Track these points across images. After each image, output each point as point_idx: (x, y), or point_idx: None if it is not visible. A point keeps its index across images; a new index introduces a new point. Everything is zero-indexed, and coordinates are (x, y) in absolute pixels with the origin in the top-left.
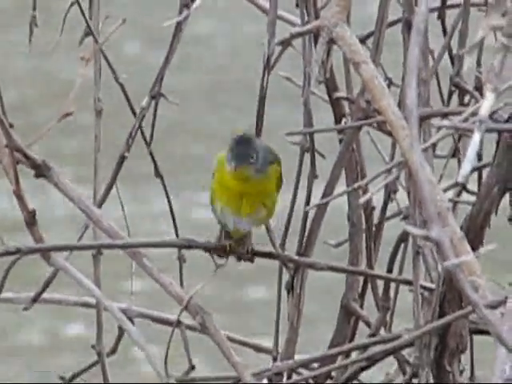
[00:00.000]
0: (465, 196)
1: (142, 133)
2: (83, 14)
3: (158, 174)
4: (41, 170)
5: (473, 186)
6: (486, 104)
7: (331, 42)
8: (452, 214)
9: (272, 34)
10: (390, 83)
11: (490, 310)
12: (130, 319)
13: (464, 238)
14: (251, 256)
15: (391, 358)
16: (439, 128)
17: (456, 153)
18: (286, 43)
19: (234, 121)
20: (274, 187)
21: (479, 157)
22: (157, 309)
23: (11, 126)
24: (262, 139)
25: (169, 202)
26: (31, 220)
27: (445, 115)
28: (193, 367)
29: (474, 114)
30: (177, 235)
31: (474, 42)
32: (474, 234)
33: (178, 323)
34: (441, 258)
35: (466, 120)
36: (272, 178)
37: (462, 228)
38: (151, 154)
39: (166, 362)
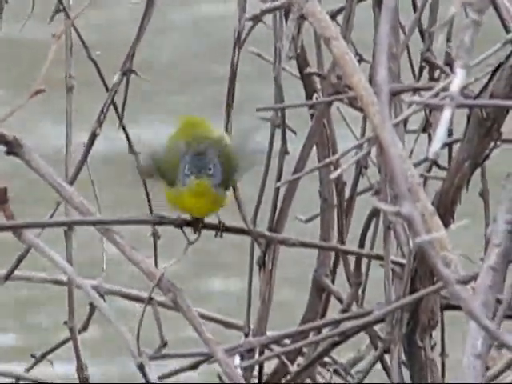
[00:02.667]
0: (436, 171)
1: (116, 108)
2: None
3: (132, 151)
4: (12, 147)
5: (443, 161)
6: (457, 80)
7: (302, 17)
8: (423, 190)
9: (242, 10)
10: (361, 59)
11: (461, 286)
12: (102, 296)
13: (435, 213)
14: (222, 231)
15: (363, 334)
16: (410, 103)
17: (427, 127)
18: (256, 19)
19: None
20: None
21: (450, 132)
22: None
23: None
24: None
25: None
26: (2, 197)
27: (415, 90)
28: (165, 344)
29: (445, 89)
30: (151, 211)
31: (446, 19)
32: (445, 209)
33: (150, 300)
34: (412, 234)
35: (436, 95)
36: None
37: (433, 203)
38: (124, 129)
39: (138, 339)
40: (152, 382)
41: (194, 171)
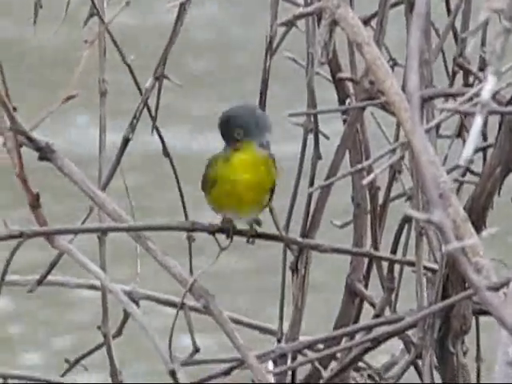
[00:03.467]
0: (470, 177)
1: (150, 112)
2: None
3: (166, 153)
4: (44, 153)
5: (478, 166)
6: (488, 87)
7: (334, 23)
8: (455, 195)
9: (274, 16)
10: (395, 64)
11: (492, 292)
12: (135, 301)
13: (467, 219)
14: (254, 238)
15: (398, 339)
16: (442, 110)
17: (461, 133)
18: (288, 24)
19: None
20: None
21: (484, 137)
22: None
23: (14, 109)
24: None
25: (177, 182)
26: (35, 203)
27: (448, 96)
28: (197, 350)
29: (477, 95)
30: (186, 217)
31: (477, 25)
32: (477, 215)
33: (182, 305)
34: (443, 241)
35: (469, 101)
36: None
37: (464, 209)
38: (158, 132)
39: (170, 345)
40: None
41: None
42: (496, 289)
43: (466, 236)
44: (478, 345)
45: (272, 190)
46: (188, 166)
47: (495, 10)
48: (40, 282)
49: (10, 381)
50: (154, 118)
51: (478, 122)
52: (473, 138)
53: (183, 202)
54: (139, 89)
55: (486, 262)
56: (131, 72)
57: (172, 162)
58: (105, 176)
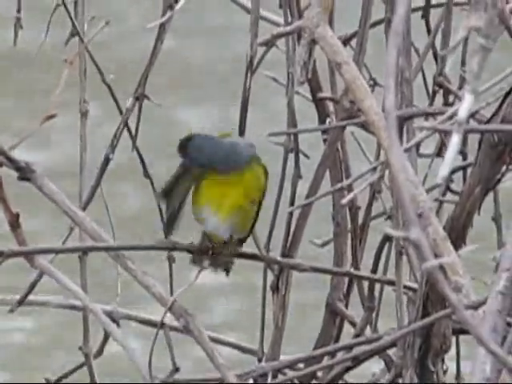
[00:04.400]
0: (450, 196)
1: (130, 132)
2: (69, 15)
3: (146, 174)
4: (24, 173)
5: (458, 185)
6: (465, 105)
7: (313, 42)
8: (435, 215)
9: (254, 35)
10: (375, 83)
11: (471, 311)
12: (116, 321)
13: (446, 238)
14: (234, 258)
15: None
16: (421, 129)
17: (441, 152)
18: (268, 44)
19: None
20: (256, 187)
21: (464, 156)
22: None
23: None
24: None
25: (159, 206)
26: (15, 223)
27: (428, 115)
28: (177, 369)
29: (456, 114)
30: (165, 236)
31: (455, 43)
32: (457, 233)
33: (162, 325)
34: (421, 260)
35: (450, 119)
36: (256, 174)
37: (444, 228)
38: (138, 152)
39: (150, 364)
40: None
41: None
42: (475, 307)
43: (445, 254)
44: (458, 363)
45: (260, 203)
46: None
47: (473, 28)
48: (21, 302)
49: None
50: (134, 138)
51: (454, 140)
52: (450, 156)
53: (163, 220)
54: (119, 108)
55: (465, 281)
56: (111, 92)
57: (152, 183)
58: (85, 195)
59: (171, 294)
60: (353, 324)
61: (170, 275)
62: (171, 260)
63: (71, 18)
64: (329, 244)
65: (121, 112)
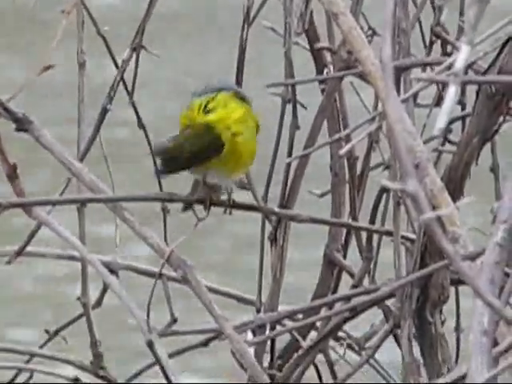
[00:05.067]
0: (448, 146)
1: (125, 85)
2: None
3: (140, 124)
4: (21, 124)
5: (457, 135)
6: (461, 57)
7: None
8: (432, 165)
9: None
10: (374, 33)
11: (468, 262)
12: (115, 272)
13: (444, 188)
14: (232, 208)
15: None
16: (418, 80)
17: (440, 102)
18: None
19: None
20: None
21: (463, 106)
22: None
23: None
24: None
25: (153, 157)
26: (12, 173)
27: (425, 65)
28: (175, 320)
29: (453, 65)
30: (160, 189)
31: None
32: (455, 184)
33: (160, 275)
34: (418, 212)
35: (448, 69)
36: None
37: (442, 179)
38: (133, 104)
39: (148, 316)
40: (162, 359)
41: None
42: (472, 258)
43: (443, 205)
44: (457, 314)
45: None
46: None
47: None
48: (19, 253)
49: None
50: (131, 91)
51: (451, 91)
52: (446, 107)
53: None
54: (114, 61)
55: (462, 232)
56: (106, 44)
57: (147, 135)
58: (83, 146)
59: (167, 245)
60: (351, 274)
61: (165, 226)
62: (166, 211)
63: None
64: (327, 194)
65: (116, 65)
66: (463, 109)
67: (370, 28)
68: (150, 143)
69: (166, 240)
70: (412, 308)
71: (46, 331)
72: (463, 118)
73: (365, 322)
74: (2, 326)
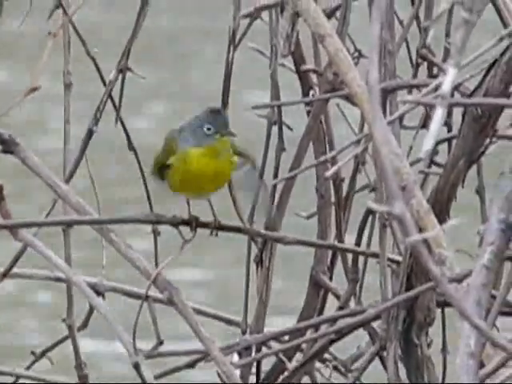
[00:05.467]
0: (434, 168)
1: (114, 104)
2: None
3: (131, 147)
4: (8, 146)
5: (443, 157)
6: (448, 79)
7: (296, 15)
8: (419, 187)
9: (237, 8)
10: (360, 55)
11: (455, 284)
12: (101, 293)
13: (430, 210)
14: (218, 230)
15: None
16: (404, 102)
17: (427, 123)
18: (251, 16)
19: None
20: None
21: (449, 127)
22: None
23: None
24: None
25: (142, 175)
26: None
27: (412, 87)
28: (161, 342)
29: (439, 87)
30: (151, 209)
31: (437, 15)
32: (441, 206)
33: (146, 298)
34: (404, 234)
35: (434, 91)
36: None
37: (428, 201)
38: (123, 125)
39: (134, 338)
40: (147, 381)
41: (219, 128)
42: (459, 280)
43: (429, 227)
44: (443, 336)
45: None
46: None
47: (455, 0)
48: (5, 275)
49: None
50: (117, 110)
51: (438, 114)
52: (433, 130)
53: (148, 195)
54: (103, 81)
55: (449, 254)
56: (96, 65)
57: (137, 155)
58: (69, 168)
59: (156, 267)
60: (337, 296)
61: (155, 248)
62: (156, 233)
63: None
64: (314, 216)
65: (104, 84)
66: (449, 130)
67: (356, 50)
68: (139, 163)
69: (156, 261)
70: (398, 330)
71: (32, 353)
72: (449, 140)
73: (350, 344)
74: None
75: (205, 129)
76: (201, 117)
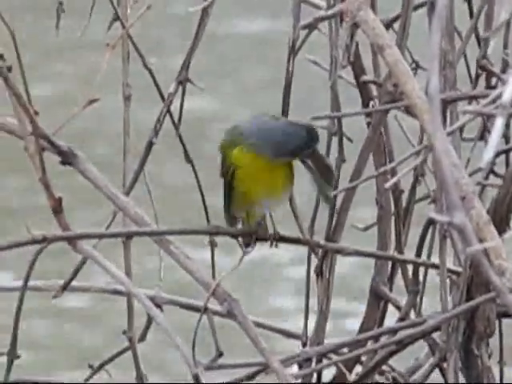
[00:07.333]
0: (493, 179)
1: (172, 117)
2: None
3: (188, 159)
4: (67, 158)
5: (501, 168)
6: (509, 89)
7: (355, 25)
8: (478, 198)
9: (297, 18)
10: (417, 66)
11: None
12: (159, 306)
13: (489, 221)
14: (277, 241)
15: (423, 342)
16: (464, 112)
17: (484, 135)
18: (310, 27)
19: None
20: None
21: (507, 139)
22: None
23: (36, 113)
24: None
25: (199, 187)
26: (57, 208)
27: (471, 98)
28: (221, 354)
29: (499, 97)
30: (207, 221)
31: (498, 25)
32: (501, 217)
33: (205, 310)
34: (465, 244)
35: (492, 102)
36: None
37: (488, 212)
38: (180, 138)
39: (193, 349)
40: None
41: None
42: None
43: (489, 238)
44: (501, 347)
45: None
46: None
47: None
48: (65, 288)
49: None
50: (177, 124)
51: (498, 123)
52: (494, 139)
53: (205, 206)
54: (161, 93)
55: (508, 265)
56: (152, 76)
57: (193, 167)
58: (128, 180)
59: (213, 278)
60: (397, 308)
61: (212, 259)
62: (213, 244)
63: (112, 3)
64: (371, 228)
65: (162, 97)
66: (507, 142)
67: (413, 61)
68: (196, 175)
69: (213, 273)
70: (458, 341)
71: (90, 366)
72: (507, 151)
73: (406, 356)
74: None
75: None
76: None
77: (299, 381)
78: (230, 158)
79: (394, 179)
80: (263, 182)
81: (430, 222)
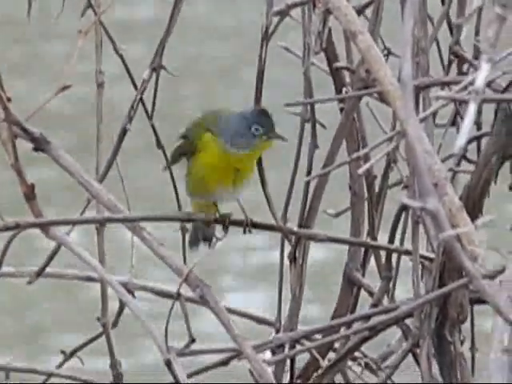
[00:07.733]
0: (464, 165)
1: (144, 105)
2: None
3: (159, 145)
4: (39, 144)
5: (472, 155)
6: (481, 75)
7: (327, 12)
8: (450, 184)
9: (270, 5)
10: (389, 53)
11: (488, 280)
12: (131, 292)
13: (462, 207)
14: (250, 227)
15: (395, 328)
16: (436, 98)
17: (456, 121)
18: (283, 13)
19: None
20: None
21: (478, 126)
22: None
23: (9, 99)
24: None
25: (170, 173)
26: (30, 194)
27: (444, 84)
28: (193, 340)
29: (472, 83)
30: (179, 208)
31: (470, 12)
32: (473, 203)
33: (178, 296)
34: (438, 230)
35: (465, 88)
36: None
37: (461, 198)
38: (153, 126)
39: (166, 335)
40: (180, 379)
41: (268, 130)
42: (492, 277)
43: (461, 224)
44: (472, 333)
45: None
46: None
47: None
48: (39, 274)
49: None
50: (151, 110)
51: (471, 109)
52: (467, 125)
53: (176, 193)
54: (132, 80)
55: (481, 251)
56: (123, 62)
57: (165, 154)
58: (102, 167)
59: (185, 264)
60: (370, 294)
61: (183, 246)
62: (184, 230)
63: None
64: (343, 214)
65: (134, 84)
66: (479, 129)
67: (385, 47)
68: (167, 161)
69: (184, 260)
70: (431, 327)
71: (62, 351)
72: (479, 138)
73: (378, 342)
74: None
75: (253, 129)
76: (248, 116)
77: (272, 367)
78: (200, 139)
79: (367, 165)
80: (219, 174)
81: (403, 208)
